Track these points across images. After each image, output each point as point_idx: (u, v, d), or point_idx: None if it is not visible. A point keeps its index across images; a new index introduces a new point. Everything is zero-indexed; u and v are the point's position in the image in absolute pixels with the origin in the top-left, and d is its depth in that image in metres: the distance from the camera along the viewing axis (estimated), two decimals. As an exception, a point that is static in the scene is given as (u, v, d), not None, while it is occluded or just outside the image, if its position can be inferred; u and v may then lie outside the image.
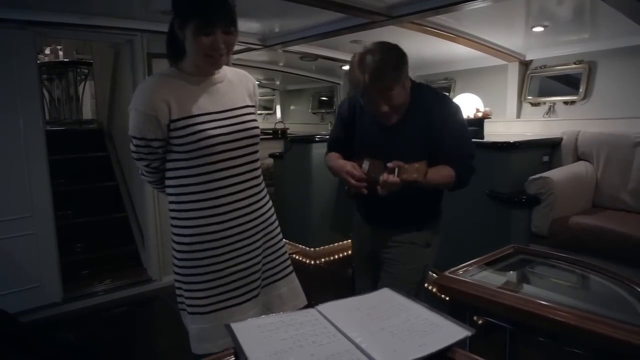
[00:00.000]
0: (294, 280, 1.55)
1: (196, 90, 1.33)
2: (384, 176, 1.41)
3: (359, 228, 1.82)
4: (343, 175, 1.59)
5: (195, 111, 1.30)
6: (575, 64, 3.42)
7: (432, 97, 1.62)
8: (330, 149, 1.83)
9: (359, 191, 1.54)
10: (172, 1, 1.29)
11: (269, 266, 1.48)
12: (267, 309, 1.47)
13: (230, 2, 1.27)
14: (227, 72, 1.41)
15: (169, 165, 1.36)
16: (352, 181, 1.54)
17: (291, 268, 1.55)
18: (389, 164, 1.42)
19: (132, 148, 1.35)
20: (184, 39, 1.27)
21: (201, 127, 1.29)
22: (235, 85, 1.42)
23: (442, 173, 1.53)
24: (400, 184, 1.40)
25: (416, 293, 1.65)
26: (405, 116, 1.59)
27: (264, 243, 1.45)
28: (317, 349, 0.79)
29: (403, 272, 1.65)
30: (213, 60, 1.30)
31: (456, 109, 1.62)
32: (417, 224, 1.67)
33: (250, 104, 1.44)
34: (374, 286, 1.61)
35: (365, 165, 1.56)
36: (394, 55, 1.52)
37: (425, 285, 1.79)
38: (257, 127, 1.41)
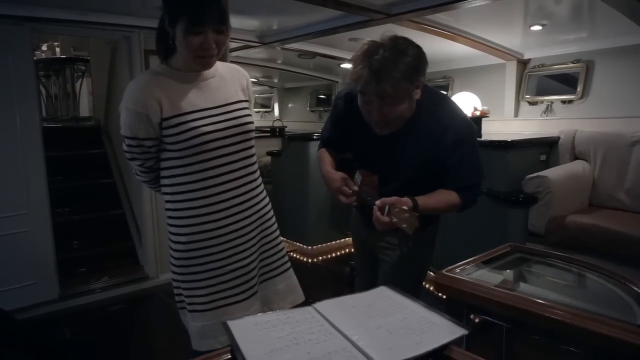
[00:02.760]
0: (291, 277, 1.55)
1: (187, 87, 1.31)
2: (375, 214, 1.33)
3: (357, 227, 1.78)
4: (332, 191, 1.54)
5: (187, 108, 1.28)
6: (573, 63, 3.43)
7: (446, 114, 1.44)
8: (323, 145, 1.73)
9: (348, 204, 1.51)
10: None
11: (266, 262, 1.47)
12: (265, 305, 1.47)
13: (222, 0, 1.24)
14: (218, 67, 1.38)
15: (163, 164, 1.34)
16: (342, 199, 1.50)
17: (289, 264, 1.55)
18: (377, 202, 1.32)
19: (125, 148, 1.33)
20: (174, 36, 1.24)
21: (194, 124, 1.27)
22: (228, 80, 1.40)
23: (446, 201, 1.43)
24: (389, 225, 1.32)
25: (414, 294, 1.62)
26: (410, 130, 1.43)
27: (261, 239, 1.44)
28: (314, 346, 0.79)
29: (402, 274, 1.62)
30: (204, 60, 1.28)
31: (470, 130, 1.46)
32: None
33: (243, 98, 1.42)
34: (373, 284, 1.60)
35: (358, 177, 1.52)
36: (409, 60, 1.30)
37: (423, 283, 1.79)
38: (251, 122, 1.39)
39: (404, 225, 1.26)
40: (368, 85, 1.31)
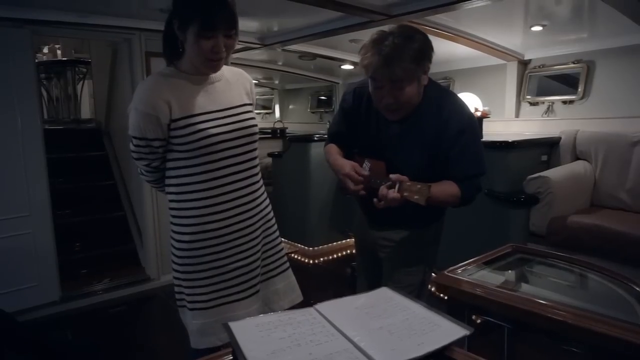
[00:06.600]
0: (290, 276, 1.58)
1: (195, 89, 1.34)
2: (384, 190, 1.33)
3: (361, 227, 1.78)
4: (341, 177, 1.53)
5: (195, 110, 1.31)
6: (574, 64, 3.42)
7: (449, 105, 1.49)
8: (330, 140, 1.74)
9: (356, 194, 1.51)
10: (173, 1, 1.29)
11: (266, 262, 1.50)
12: (265, 304, 1.49)
13: (231, 4, 1.26)
14: (224, 71, 1.42)
15: (170, 164, 1.36)
16: (351, 185, 1.49)
17: (288, 264, 1.58)
18: (392, 176, 1.33)
19: (132, 148, 1.35)
20: (184, 40, 1.27)
21: (202, 126, 1.30)
22: (233, 84, 1.43)
23: (448, 192, 1.44)
24: (400, 201, 1.32)
25: (418, 294, 1.60)
26: (416, 118, 1.48)
27: (263, 239, 1.47)
28: (315, 348, 0.79)
29: (405, 273, 1.62)
30: (213, 64, 1.31)
31: (472, 122, 1.51)
32: (419, 223, 1.62)
33: (248, 102, 1.45)
34: (375, 285, 1.60)
35: (366, 166, 1.53)
36: (417, 45, 1.38)
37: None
38: (255, 126, 1.42)
39: (416, 197, 1.28)
40: (379, 70, 1.38)
